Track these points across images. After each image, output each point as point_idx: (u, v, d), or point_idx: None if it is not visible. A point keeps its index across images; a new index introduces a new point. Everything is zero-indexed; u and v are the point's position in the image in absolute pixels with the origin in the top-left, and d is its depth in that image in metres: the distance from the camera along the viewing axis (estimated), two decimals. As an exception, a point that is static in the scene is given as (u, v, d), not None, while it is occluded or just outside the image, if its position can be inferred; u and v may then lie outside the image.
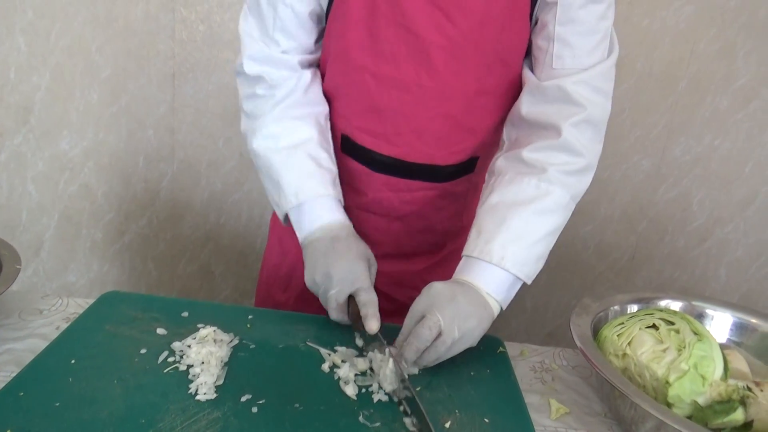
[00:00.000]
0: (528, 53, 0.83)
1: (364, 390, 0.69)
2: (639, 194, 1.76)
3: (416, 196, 0.91)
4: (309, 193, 0.82)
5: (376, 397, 0.68)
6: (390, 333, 0.75)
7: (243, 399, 0.64)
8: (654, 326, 0.77)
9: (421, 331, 0.69)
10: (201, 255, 1.83)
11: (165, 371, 0.67)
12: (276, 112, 0.84)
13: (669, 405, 0.69)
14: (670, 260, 1.84)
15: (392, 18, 0.78)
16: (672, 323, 0.76)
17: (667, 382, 0.69)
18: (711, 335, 0.74)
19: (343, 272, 0.76)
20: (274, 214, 1.07)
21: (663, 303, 0.89)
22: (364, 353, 0.76)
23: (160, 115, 1.68)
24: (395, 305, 0.84)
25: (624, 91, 1.65)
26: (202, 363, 0.68)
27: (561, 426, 0.72)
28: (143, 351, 0.70)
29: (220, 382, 0.67)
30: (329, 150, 0.87)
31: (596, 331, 0.81)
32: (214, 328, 0.76)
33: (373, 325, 0.73)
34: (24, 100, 1.64)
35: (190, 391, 0.64)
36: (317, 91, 0.88)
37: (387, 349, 0.71)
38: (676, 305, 0.89)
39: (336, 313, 0.78)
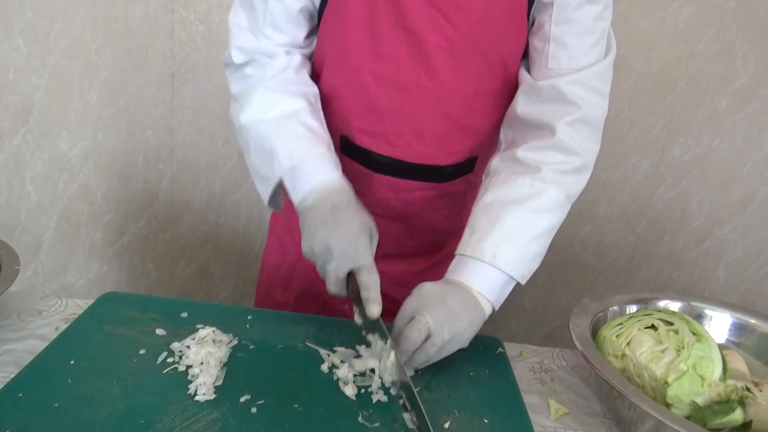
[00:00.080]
0: (525, 54, 0.84)
1: (363, 390, 0.69)
2: (638, 195, 1.76)
3: (416, 197, 0.92)
4: (304, 153, 0.77)
5: (375, 398, 0.68)
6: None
7: (242, 399, 0.64)
8: (653, 327, 0.77)
9: (410, 333, 0.68)
10: (200, 255, 1.83)
11: (164, 372, 0.67)
12: (266, 84, 0.81)
13: (668, 405, 0.69)
14: (669, 260, 1.84)
15: (393, 19, 0.78)
16: (671, 324, 0.76)
17: (666, 383, 0.69)
18: (710, 336, 0.74)
19: (344, 246, 0.72)
20: (274, 214, 1.07)
21: (662, 303, 0.89)
22: (364, 334, 0.74)
23: (159, 116, 1.68)
24: (395, 305, 0.84)
25: (623, 92, 1.65)
26: (201, 363, 0.68)
27: (560, 426, 0.72)
28: (142, 351, 0.70)
29: (219, 382, 0.67)
30: (322, 121, 0.84)
31: (595, 332, 0.81)
32: (213, 328, 0.76)
33: (374, 309, 0.70)
34: (23, 101, 1.64)
35: (189, 392, 0.64)
36: (307, 74, 0.87)
37: (389, 341, 0.70)
38: (674, 306, 0.89)
39: (334, 287, 0.75)
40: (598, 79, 0.79)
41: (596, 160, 0.84)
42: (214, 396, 0.64)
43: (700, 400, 0.68)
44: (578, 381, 0.83)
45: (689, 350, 0.71)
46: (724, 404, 0.67)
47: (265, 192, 0.81)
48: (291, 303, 1.02)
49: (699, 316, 0.88)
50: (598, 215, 1.78)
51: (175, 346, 0.72)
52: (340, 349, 0.76)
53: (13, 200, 1.74)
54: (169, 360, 0.70)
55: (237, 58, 0.83)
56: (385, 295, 0.96)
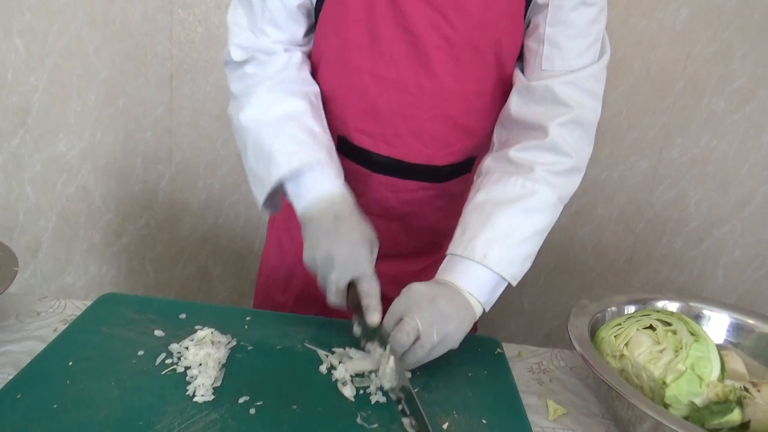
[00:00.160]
0: (520, 55, 0.84)
1: (362, 391, 0.69)
2: (636, 195, 1.77)
3: (414, 197, 0.92)
4: (304, 159, 0.76)
5: (374, 399, 0.68)
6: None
7: (241, 401, 0.64)
8: (651, 327, 0.77)
9: (398, 336, 0.68)
10: (199, 256, 1.83)
11: (162, 373, 0.67)
12: (267, 84, 0.81)
13: (666, 406, 0.69)
14: (667, 261, 1.84)
15: (391, 19, 0.78)
16: (669, 324, 0.76)
17: (664, 383, 0.69)
18: (708, 336, 0.74)
19: (346, 256, 0.73)
20: (272, 215, 1.07)
21: (660, 304, 0.89)
22: (362, 342, 0.74)
23: (158, 117, 1.68)
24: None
25: (621, 93, 1.66)
26: (200, 365, 0.68)
27: (558, 427, 0.72)
28: (141, 353, 0.70)
29: (218, 383, 0.67)
30: (323, 124, 0.83)
31: (594, 332, 0.81)
32: (212, 329, 0.75)
33: (374, 317, 0.71)
34: (21, 102, 1.64)
35: (187, 393, 0.64)
36: (308, 72, 0.86)
37: (388, 347, 0.70)
38: (673, 306, 0.89)
39: (335, 298, 0.75)
40: (591, 81, 0.79)
41: (594, 160, 0.84)
42: (212, 397, 0.64)
43: (698, 401, 0.68)
44: (577, 381, 0.83)
45: (687, 351, 0.71)
46: (722, 404, 0.67)
47: (261, 194, 0.81)
48: (290, 304, 1.02)
49: (697, 317, 0.88)
50: (597, 216, 1.78)
51: (174, 347, 0.72)
52: (339, 350, 0.76)
53: (12, 201, 1.73)
54: (168, 361, 0.69)
55: (236, 55, 0.83)
56: (383, 295, 0.96)
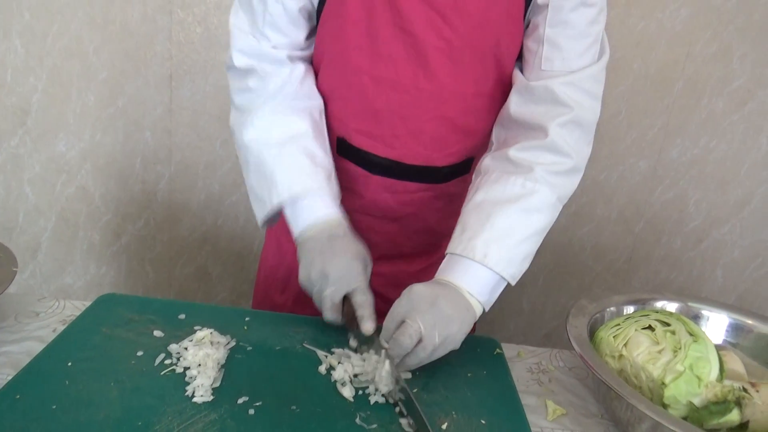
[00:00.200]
0: (519, 55, 0.84)
1: (361, 392, 0.69)
2: (636, 196, 1.77)
3: (413, 198, 0.92)
4: (304, 187, 0.80)
5: (373, 399, 0.68)
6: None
7: (240, 401, 0.64)
8: (650, 327, 0.77)
9: (401, 339, 0.69)
10: (198, 257, 1.83)
11: (162, 373, 0.67)
12: (269, 105, 0.83)
13: (665, 406, 0.69)
14: (666, 261, 1.84)
15: (390, 20, 0.78)
16: (668, 324, 0.76)
17: (663, 383, 0.69)
18: (706, 336, 0.74)
19: (339, 271, 0.75)
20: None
21: (659, 304, 0.89)
22: (359, 353, 0.75)
23: (157, 117, 1.68)
24: (390, 306, 0.84)
25: (620, 93, 1.66)
26: (199, 365, 0.68)
27: (557, 427, 0.72)
28: (140, 353, 0.70)
29: (217, 384, 0.67)
30: (324, 145, 0.86)
31: (593, 333, 0.81)
32: (211, 330, 0.75)
33: (369, 326, 0.73)
34: (21, 102, 1.64)
35: (186, 394, 0.64)
36: (311, 84, 0.87)
37: (383, 352, 0.71)
38: (672, 306, 0.89)
39: (330, 314, 0.77)
40: (591, 81, 0.79)
41: (593, 161, 0.84)
42: (211, 398, 0.64)
43: (697, 401, 0.68)
44: (576, 382, 0.83)
45: (686, 351, 0.71)
46: (720, 405, 0.68)
47: (260, 213, 0.84)
48: (288, 305, 1.02)
49: (696, 317, 0.88)
50: (596, 216, 1.79)
51: (173, 347, 0.72)
52: (338, 351, 0.76)
53: (11, 202, 1.73)
54: (167, 362, 0.69)
55: (238, 61, 0.83)
56: (381, 296, 0.96)
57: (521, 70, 0.83)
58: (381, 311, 0.77)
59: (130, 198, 1.76)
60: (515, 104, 0.82)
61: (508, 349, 0.86)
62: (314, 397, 0.67)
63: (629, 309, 0.87)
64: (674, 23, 1.59)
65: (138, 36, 1.60)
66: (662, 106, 1.67)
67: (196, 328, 0.76)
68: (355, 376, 0.71)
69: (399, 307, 0.72)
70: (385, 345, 0.71)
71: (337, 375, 0.70)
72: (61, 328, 0.77)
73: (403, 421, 0.64)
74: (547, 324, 1.92)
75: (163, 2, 1.57)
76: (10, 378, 0.65)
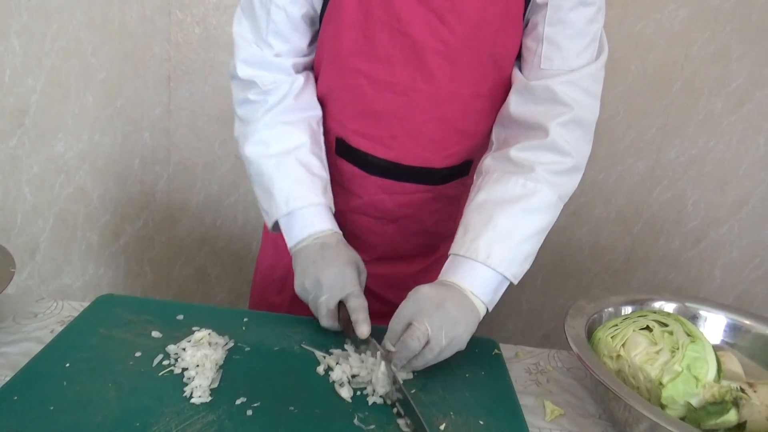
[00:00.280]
0: (518, 54, 0.84)
1: (359, 392, 0.69)
2: (634, 196, 1.77)
3: (411, 199, 0.92)
4: (300, 201, 0.82)
5: (371, 400, 0.68)
6: (380, 334, 0.75)
7: (238, 402, 0.64)
8: (648, 328, 0.77)
9: (409, 342, 0.69)
10: (197, 258, 1.83)
11: (160, 374, 0.67)
12: (268, 117, 0.84)
13: (662, 406, 0.69)
14: (665, 262, 1.85)
15: (387, 22, 0.78)
16: (665, 325, 0.76)
17: (661, 384, 0.69)
18: (704, 337, 0.74)
19: (333, 278, 0.76)
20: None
21: (657, 304, 0.89)
22: (358, 353, 0.76)
23: (156, 118, 1.68)
24: (390, 308, 0.84)
25: (619, 94, 1.66)
26: (197, 366, 0.68)
27: (556, 428, 0.73)
28: (138, 354, 0.70)
29: (215, 385, 0.67)
30: (321, 156, 0.87)
31: (590, 333, 0.81)
32: (209, 330, 0.76)
33: (364, 329, 0.73)
34: (19, 103, 1.64)
35: (184, 394, 0.64)
36: (310, 94, 0.88)
37: (378, 353, 0.71)
38: (669, 307, 0.89)
39: (326, 320, 0.78)
40: (590, 80, 0.80)
41: (592, 161, 0.84)
42: (209, 398, 0.64)
43: (694, 401, 0.68)
44: (574, 382, 0.83)
45: (684, 351, 0.71)
46: (718, 405, 0.68)
47: (269, 221, 0.86)
48: (286, 305, 1.02)
49: (694, 317, 0.89)
50: (595, 217, 1.79)
51: (171, 348, 0.72)
52: (336, 351, 0.76)
53: (9, 202, 1.73)
54: (165, 362, 0.69)
55: (242, 72, 0.84)
56: (379, 297, 0.96)
57: (520, 70, 0.83)
58: (379, 312, 0.77)
59: (128, 198, 1.76)
60: (515, 104, 0.82)
61: (507, 350, 0.86)
62: (312, 398, 0.67)
63: (627, 309, 0.87)
64: (672, 24, 1.60)
65: (136, 37, 1.60)
66: (661, 107, 1.68)
67: (194, 328, 0.76)
68: (353, 376, 0.71)
69: (405, 309, 0.72)
70: (392, 348, 0.71)
71: (335, 376, 0.70)
72: (59, 329, 0.77)
73: (401, 422, 0.65)
74: (545, 324, 1.93)
75: (161, 3, 1.57)
76: (8, 379, 0.65)
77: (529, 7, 0.80)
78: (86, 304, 0.82)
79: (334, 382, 0.70)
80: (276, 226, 0.86)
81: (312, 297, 0.78)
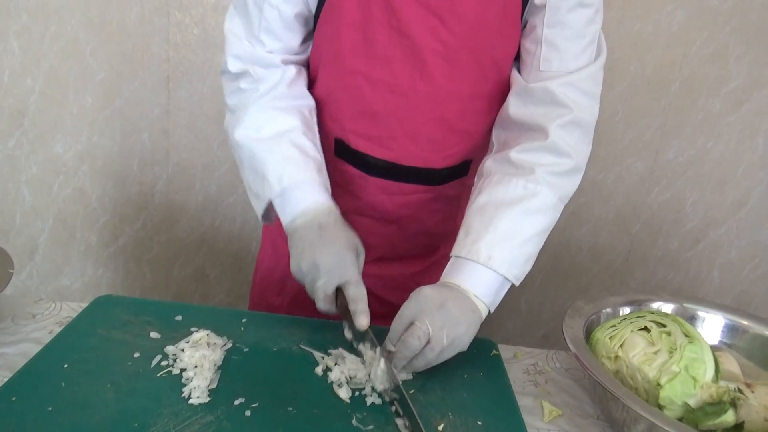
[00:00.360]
0: (517, 56, 0.84)
1: (357, 393, 0.69)
2: (633, 196, 1.77)
3: (410, 200, 0.92)
4: (293, 178, 0.79)
5: (369, 400, 0.68)
6: (380, 335, 0.75)
7: (236, 403, 0.64)
8: (646, 329, 0.77)
9: (410, 341, 0.69)
10: (196, 258, 1.83)
11: (158, 375, 0.68)
12: (260, 102, 0.83)
13: (660, 407, 0.69)
14: (663, 262, 1.85)
15: (386, 22, 0.79)
16: (663, 325, 0.76)
17: (659, 384, 0.70)
18: (702, 337, 0.74)
19: (331, 263, 0.75)
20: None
21: (655, 305, 0.89)
22: (354, 345, 0.75)
23: (155, 119, 1.68)
24: (389, 308, 0.84)
25: (617, 94, 1.66)
26: (196, 367, 0.68)
27: (554, 428, 0.73)
28: (136, 355, 0.70)
29: (214, 385, 0.67)
30: (314, 140, 0.85)
31: (589, 334, 0.81)
32: (208, 331, 0.76)
33: (362, 321, 0.72)
34: (18, 104, 1.64)
35: (183, 395, 0.64)
36: (302, 85, 0.87)
37: (378, 349, 0.71)
38: (667, 307, 0.89)
39: (323, 304, 0.76)
40: (589, 81, 0.80)
41: (591, 161, 0.85)
42: (208, 399, 0.64)
43: (692, 402, 0.69)
44: (572, 383, 0.83)
45: (681, 352, 0.71)
46: (716, 406, 0.68)
47: (258, 208, 0.84)
48: (285, 306, 1.02)
49: (692, 318, 0.89)
50: (593, 217, 1.79)
51: (170, 349, 0.72)
52: (335, 352, 0.76)
53: (8, 203, 1.73)
54: (164, 363, 0.70)
55: (233, 66, 0.84)
56: (379, 298, 0.96)
57: (519, 72, 0.84)
58: (379, 313, 0.77)
59: (127, 199, 1.76)
60: (514, 106, 0.83)
61: (505, 350, 0.86)
62: (311, 399, 0.67)
63: (625, 310, 0.87)
64: (671, 24, 1.60)
65: (135, 37, 1.60)
66: (659, 107, 1.68)
67: (192, 329, 0.76)
68: (352, 377, 0.71)
69: (407, 310, 0.72)
70: (392, 348, 0.71)
71: (333, 376, 0.70)
72: (58, 329, 0.77)
73: (399, 422, 0.65)
74: (544, 325, 1.93)
75: (160, 4, 1.57)
76: (6, 380, 0.65)
77: (526, 9, 0.80)
78: (85, 304, 0.82)
79: (332, 382, 0.70)
80: (266, 214, 0.83)
81: (309, 280, 0.76)
